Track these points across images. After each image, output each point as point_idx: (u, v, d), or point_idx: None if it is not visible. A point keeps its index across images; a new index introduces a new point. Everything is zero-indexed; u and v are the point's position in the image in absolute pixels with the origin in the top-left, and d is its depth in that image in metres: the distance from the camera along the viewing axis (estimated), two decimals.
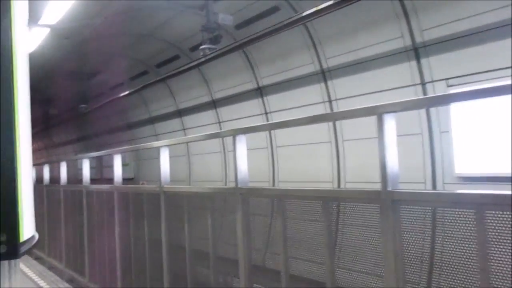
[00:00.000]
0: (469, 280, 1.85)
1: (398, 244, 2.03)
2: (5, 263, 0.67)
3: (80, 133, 20.36)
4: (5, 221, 0.65)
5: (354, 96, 7.61)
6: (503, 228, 1.70)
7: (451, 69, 6.25)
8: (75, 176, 12.29)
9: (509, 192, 1.66)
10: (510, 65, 5.53)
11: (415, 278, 2.19)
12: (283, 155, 9.31)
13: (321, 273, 2.86)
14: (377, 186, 2.23)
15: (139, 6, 8.83)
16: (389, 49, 6.93)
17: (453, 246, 1.94)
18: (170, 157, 4.70)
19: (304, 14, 6.75)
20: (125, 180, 6.82)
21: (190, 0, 8.62)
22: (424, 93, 6.67)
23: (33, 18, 7.68)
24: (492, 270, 1.73)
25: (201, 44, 8.70)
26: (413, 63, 6.70)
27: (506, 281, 1.74)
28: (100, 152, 9.36)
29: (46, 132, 21.82)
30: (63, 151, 22.96)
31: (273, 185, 9.26)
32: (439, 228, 1.97)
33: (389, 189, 2.07)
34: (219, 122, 11.08)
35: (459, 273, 1.92)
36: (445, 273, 2.07)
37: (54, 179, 9.34)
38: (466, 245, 1.84)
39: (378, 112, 2.10)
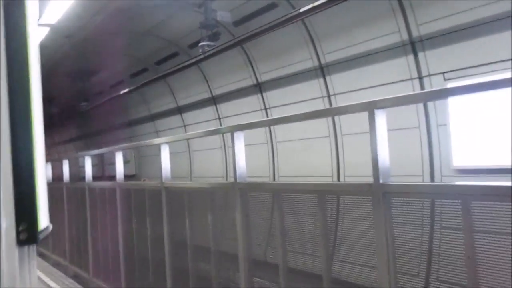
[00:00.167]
0: (457, 268, 1.93)
1: (390, 234, 2.11)
2: (25, 248, 0.77)
3: (81, 131, 20.46)
4: (25, 212, 0.75)
5: (352, 90, 7.67)
6: (489, 218, 1.77)
7: (448, 63, 6.31)
8: (77, 174, 12.40)
9: (494, 183, 1.74)
10: (507, 58, 5.59)
11: (406, 267, 2.27)
12: (283, 150, 9.39)
13: (318, 266, 2.94)
14: None
15: (138, 5, 8.89)
16: (386, 43, 6.98)
17: (441, 236, 2.02)
18: (171, 153, 4.78)
19: (302, 10, 6.80)
20: (127, 177, 6.90)
21: None
22: (422, 87, 6.73)
23: None
24: (478, 258, 1.80)
25: (200, 41, 8.76)
26: (410, 57, 6.75)
27: (491, 269, 1.81)
28: (101, 149, 9.46)
29: (47, 130, 21.66)
30: (64, 149, 23.08)
31: (274, 180, 9.34)
32: (427, 218, 2.05)
33: (381, 181, 2.15)
34: (219, 118, 11.15)
35: (449, 261, 2.00)
36: (435, 261, 2.15)
37: (57, 177, 9.45)
38: (454, 234, 1.92)
39: (370, 107, 2.17)
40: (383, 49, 7.04)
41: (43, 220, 0.78)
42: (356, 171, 7.46)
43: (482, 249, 1.82)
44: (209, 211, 3.97)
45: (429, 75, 6.60)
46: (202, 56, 9.11)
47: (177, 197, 4.50)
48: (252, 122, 3.72)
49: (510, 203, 1.79)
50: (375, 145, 2.17)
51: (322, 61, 8.13)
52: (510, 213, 1.79)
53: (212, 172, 11.37)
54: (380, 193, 2.12)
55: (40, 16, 7.88)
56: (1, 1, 0.86)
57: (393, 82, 7.01)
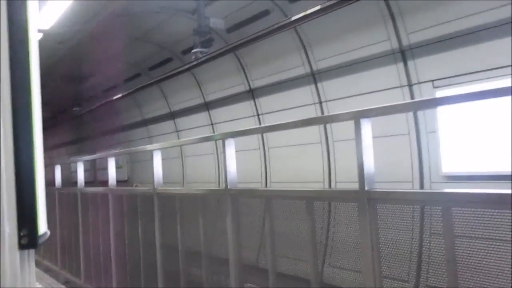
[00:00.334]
0: (439, 271, 2.00)
1: (375, 239, 2.18)
2: (25, 252, 0.83)
3: (73, 135, 20.41)
4: (26, 218, 0.80)
5: (344, 97, 7.77)
6: (468, 223, 1.85)
7: (437, 71, 6.42)
8: (68, 179, 12.38)
9: (472, 190, 1.82)
10: (495, 67, 5.71)
11: (392, 272, 2.34)
12: (275, 156, 9.46)
13: (307, 271, 3.00)
14: None
15: (132, 11, 8.95)
16: (376, 51, 7.09)
17: (425, 241, 2.09)
18: (164, 159, 4.83)
19: (293, 18, 6.91)
20: (119, 182, 6.93)
21: (182, 1, 8.74)
22: (411, 94, 6.84)
23: None
24: (458, 261, 1.88)
25: (193, 47, 8.83)
26: (400, 65, 6.86)
27: (471, 272, 1.89)
28: (94, 155, 9.47)
29: None
30: (57, 154, 22.99)
31: (266, 185, 9.40)
32: (411, 224, 2.12)
33: (366, 188, 2.22)
34: (212, 124, 11.21)
35: (431, 264, 2.07)
36: (417, 265, 2.22)
37: (48, 182, 9.44)
38: (435, 239, 1.99)
39: (355, 117, 2.25)
40: (374, 56, 7.15)
41: (42, 225, 0.84)
42: (347, 177, 7.55)
43: (462, 253, 1.90)
44: (201, 217, 4.02)
45: (419, 83, 6.71)
46: (195, 63, 9.18)
47: (169, 202, 4.55)
48: (243, 130, 3.79)
49: (489, 210, 1.87)
50: (360, 153, 2.25)
51: (314, 68, 8.23)
52: (489, 218, 1.87)
53: (205, 177, 11.41)
54: (365, 199, 2.20)
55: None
56: (5, 1, 0.88)
57: (383, 89, 7.11)
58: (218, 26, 8.69)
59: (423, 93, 6.63)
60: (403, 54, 6.80)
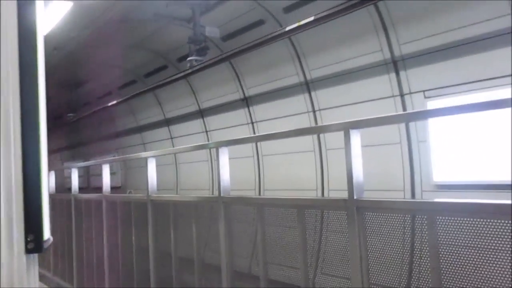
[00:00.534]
0: (424, 279, 2.07)
1: (363, 246, 2.24)
2: (31, 256, 0.89)
3: (67, 141, 20.37)
4: (33, 224, 0.86)
5: (337, 106, 7.87)
6: (452, 231, 1.92)
7: (428, 81, 6.54)
8: (62, 185, 12.36)
9: (456, 200, 1.89)
10: (485, 78, 5.83)
11: (380, 279, 2.40)
12: (269, 163, 9.52)
13: (298, 278, 3.05)
14: None
15: (128, 19, 9.03)
16: (369, 61, 7.20)
17: (413, 249, 2.16)
18: (158, 165, 4.88)
19: (288, 28, 7.01)
20: (113, 188, 6.97)
21: (178, 10, 8.83)
22: (403, 104, 6.94)
23: None
24: (443, 268, 1.95)
25: (188, 55, 8.91)
26: (392, 75, 6.97)
27: (455, 280, 1.96)
28: (89, 162, 9.49)
29: None
30: (50, 159, 22.87)
31: (259, 193, 9.45)
32: (398, 231, 2.19)
33: (355, 197, 2.29)
34: (206, 131, 11.27)
35: (421, 273, 2.14)
36: (408, 273, 2.29)
37: None
38: (420, 247, 2.06)
39: (345, 128, 2.32)
40: (367, 66, 7.25)
41: (46, 232, 0.89)
42: (340, 185, 7.60)
43: (446, 261, 1.97)
44: (194, 224, 4.07)
45: (410, 93, 6.82)
46: (190, 70, 9.26)
47: (162, 209, 4.59)
48: (237, 139, 3.85)
49: (472, 219, 1.95)
50: (350, 162, 2.32)
51: (308, 77, 8.33)
52: (473, 227, 1.95)
53: (198, 184, 11.44)
54: (354, 208, 2.26)
55: None
56: (16, 1, 0.91)
57: (376, 99, 7.21)
58: (214, 35, 8.78)
59: (415, 103, 6.74)
60: (395, 65, 6.91)
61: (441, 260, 1.93)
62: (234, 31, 8.93)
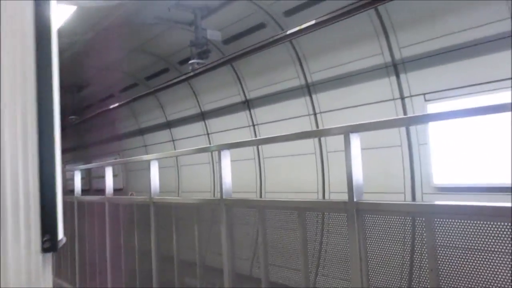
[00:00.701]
0: (424, 281, 2.10)
1: (363, 249, 2.28)
2: (47, 255, 0.93)
3: (69, 144, 20.44)
4: (48, 225, 0.90)
5: (337, 109, 7.91)
6: (449, 233, 1.96)
7: (429, 84, 6.58)
8: (64, 187, 12.40)
9: (453, 203, 1.93)
10: (485, 81, 5.87)
11: (380, 281, 2.44)
12: (270, 166, 9.56)
13: (298, 280, 3.09)
14: None
15: (130, 22, 9.09)
16: (370, 65, 7.24)
17: (414, 251, 2.20)
18: (159, 168, 4.93)
19: (289, 32, 7.06)
20: (115, 190, 7.02)
21: (180, 13, 8.89)
22: (403, 107, 6.98)
23: None
24: (440, 270, 1.99)
25: (190, 58, 8.96)
26: (393, 78, 7.01)
27: (453, 280, 2.00)
28: (91, 164, 9.53)
29: None
30: None
31: (260, 195, 9.49)
32: (398, 233, 2.23)
33: (355, 200, 2.33)
34: (208, 134, 11.31)
35: (417, 275, 2.18)
36: (408, 275, 2.32)
37: None
38: (421, 249, 2.10)
39: (345, 131, 2.36)
40: (367, 70, 7.30)
41: (60, 232, 0.94)
42: (340, 187, 7.61)
43: (444, 261, 2.01)
44: (196, 226, 4.11)
45: (411, 96, 6.86)
46: (192, 73, 9.31)
47: (165, 212, 4.63)
48: (239, 142, 3.90)
49: (470, 221, 1.99)
50: (349, 165, 2.36)
51: (309, 80, 8.37)
52: (470, 229, 1.98)
53: (200, 186, 11.48)
54: (353, 210, 2.30)
55: None
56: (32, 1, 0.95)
57: (376, 102, 7.25)
58: (215, 38, 8.83)
59: (415, 106, 6.78)
60: (396, 68, 6.95)
61: (440, 262, 1.97)
62: (236, 34, 8.99)
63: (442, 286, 1.95)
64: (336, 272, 2.94)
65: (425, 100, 6.67)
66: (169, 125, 12.89)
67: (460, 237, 1.95)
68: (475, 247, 1.91)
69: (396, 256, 2.24)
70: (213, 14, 8.66)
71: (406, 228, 2.22)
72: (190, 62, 8.83)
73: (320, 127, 8.12)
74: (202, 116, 11.37)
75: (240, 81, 9.81)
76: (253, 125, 9.85)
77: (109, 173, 5.98)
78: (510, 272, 1.90)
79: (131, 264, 5.29)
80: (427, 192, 6.72)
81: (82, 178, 12.44)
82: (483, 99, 5.82)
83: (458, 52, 6.09)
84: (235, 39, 9.06)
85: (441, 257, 1.98)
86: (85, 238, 6.67)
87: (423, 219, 2.01)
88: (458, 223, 1.98)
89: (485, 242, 1.94)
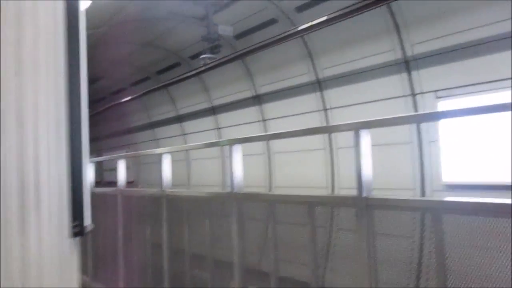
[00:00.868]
0: (433, 277, 2.15)
1: (372, 243, 2.33)
2: (75, 239, 1.00)
3: None
4: (77, 211, 0.98)
5: (348, 105, 7.92)
6: (456, 229, 2.00)
7: (440, 81, 6.56)
8: None
9: (461, 199, 1.97)
10: (495, 79, 5.85)
11: (389, 276, 2.48)
12: (279, 161, 9.60)
13: (307, 274, 3.14)
14: None
15: (142, 17, 9.16)
16: (381, 61, 7.24)
17: (416, 245, 2.24)
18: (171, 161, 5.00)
19: (300, 28, 7.07)
20: (127, 183, 7.13)
21: (192, 8, 8.94)
22: (414, 104, 6.97)
23: None
24: (448, 265, 2.03)
25: (201, 53, 9.02)
26: (404, 75, 7.00)
27: (460, 276, 2.04)
28: (103, 157, 9.65)
29: None
30: None
31: (269, 190, 9.54)
32: (407, 228, 2.27)
33: (364, 195, 2.37)
34: (218, 128, 11.38)
35: (423, 268, 2.22)
36: (417, 270, 2.37)
37: None
38: (429, 244, 2.14)
39: (355, 128, 2.40)
40: (378, 66, 7.29)
41: (87, 218, 1.00)
42: (350, 183, 7.62)
43: (452, 257, 2.04)
44: (207, 219, 4.18)
45: (422, 93, 6.85)
46: (203, 68, 9.36)
47: (177, 204, 4.71)
48: (249, 137, 3.95)
49: (478, 217, 2.02)
50: (359, 161, 2.40)
51: (320, 76, 8.38)
52: (477, 226, 2.02)
53: (209, 180, 11.56)
54: (363, 205, 2.35)
55: None
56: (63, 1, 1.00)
57: (387, 98, 7.25)
58: (227, 33, 8.87)
59: (426, 103, 6.77)
60: (407, 65, 6.94)
61: (447, 257, 2.01)
62: (247, 30, 9.02)
63: (451, 281, 1.99)
64: (344, 266, 2.99)
65: (437, 97, 6.66)
66: (180, 119, 12.98)
67: (469, 233, 1.98)
68: (483, 244, 1.94)
69: (405, 251, 2.28)
70: (225, 9, 8.70)
71: (416, 223, 2.26)
72: (202, 57, 8.89)
73: (330, 123, 8.14)
74: (213, 110, 11.44)
75: (250, 76, 9.85)
76: (263, 120, 9.89)
77: (121, 166, 6.07)
78: None
79: (143, 255, 5.39)
80: (436, 189, 6.72)
81: (94, 171, 12.60)
82: (495, 97, 5.80)
83: (470, 50, 6.07)
84: (247, 34, 9.09)
85: (450, 252, 2.02)
86: (97, 229, 6.78)
87: (431, 214, 2.04)
88: (466, 219, 2.01)
89: (493, 240, 1.97)
